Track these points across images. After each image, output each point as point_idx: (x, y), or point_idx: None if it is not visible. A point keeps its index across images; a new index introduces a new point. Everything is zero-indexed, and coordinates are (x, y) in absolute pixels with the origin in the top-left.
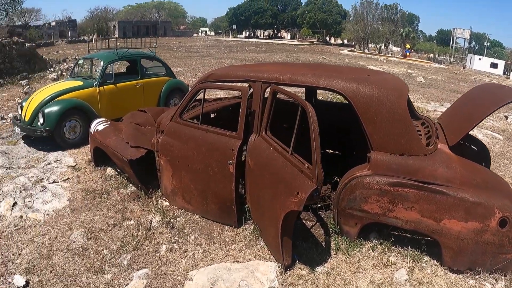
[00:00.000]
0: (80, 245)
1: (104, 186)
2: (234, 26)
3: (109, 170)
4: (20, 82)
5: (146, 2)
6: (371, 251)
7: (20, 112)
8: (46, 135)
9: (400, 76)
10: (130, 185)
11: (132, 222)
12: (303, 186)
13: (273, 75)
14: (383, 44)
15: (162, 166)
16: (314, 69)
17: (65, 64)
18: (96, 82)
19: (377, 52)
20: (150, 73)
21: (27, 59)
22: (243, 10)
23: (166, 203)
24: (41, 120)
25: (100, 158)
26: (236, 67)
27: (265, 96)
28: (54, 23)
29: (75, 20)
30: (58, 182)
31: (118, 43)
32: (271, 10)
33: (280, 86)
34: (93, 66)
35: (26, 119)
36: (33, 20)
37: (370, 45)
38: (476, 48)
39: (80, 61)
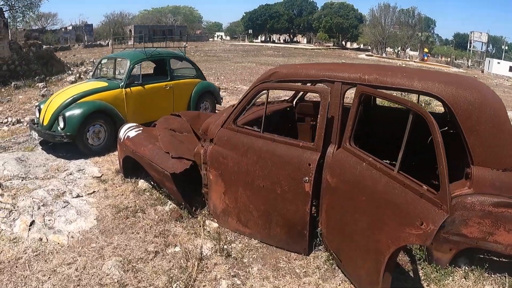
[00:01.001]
0: (116, 280)
1: (137, 202)
2: (250, 31)
3: (142, 183)
4: (37, 84)
5: (162, 7)
6: (463, 279)
7: (37, 115)
8: (67, 141)
9: None
10: (169, 201)
11: (177, 249)
12: (429, 215)
13: (356, 75)
14: (400, 48)
15: (211, 181)
16: (396, 70)
17: (83, 67)
18: (122, 83)
19: (394, 56)
20: (179, 75)
21: (45, 62)
22: (259, 14)
23: (214, 225)
24: (61, 125)
25: (130, 168)
26: (305, 65)
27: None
28: (70, 28)
29: (92, 24)
30: (82, 196)
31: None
32: (287, 15)
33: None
34: (118, 66)
35: (45, 123)
36: (50, 25)
37: (388, 49)
38: (493, 51)
39: (104, 61)
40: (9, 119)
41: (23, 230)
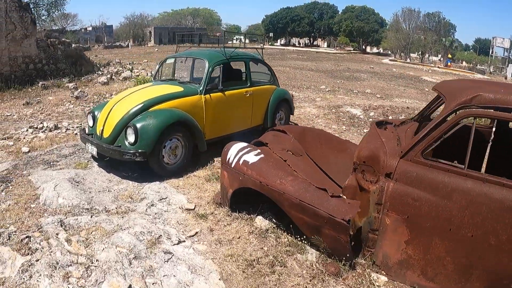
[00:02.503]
0: None
1: (266, 249)
2: (271, 34)
3: (260, 221)
4: (66, 85)
5: (181, 9)
6: None
7: (91, 123)
8: (140, 160)
9: None
10: (308, 247)
11: None
12: None
13: None
14: (422, 53)
15: (387, 226)
16: None
17: (112, 67)
18: (201, 88)
19: (419, 61)
20: (256, 80)
21: (73, 61)
22: (280, 17)
23: (382, 278)
24: (130, 139)
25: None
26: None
27: None
28: (90, 28)
29: (111, 25)
30: (185, 241)
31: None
32: (308, 18)
33: None
34: (180, 68)
35: (105, 135)
36: (70, 25)
37: (412, 55)
38: None
39: (169, 61)
40: (45, 123)
41: None
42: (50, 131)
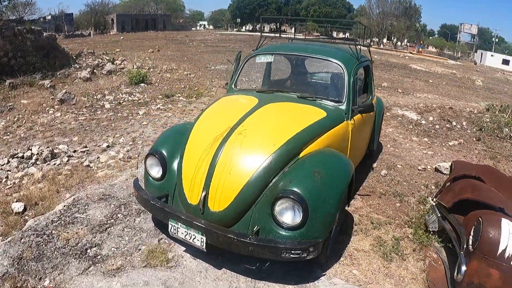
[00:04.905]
0: None
1: None
2: (238, 20)
3: None
4: (41, 82)
5: None
6: None
7: (158, 174)
8: (312, 257)
9: (447, 77)
10: None
11: None
12: None
13: None
14: (395, 39)
15: None
16: None
17: (90, 59)
18: (344, 108)
19: (391, 47)
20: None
21: (45, 53)
22: (247, 3)
23: None
24: (289, 218)
25: None
26: None
27: None
28: (49, 17)
29: (72, 14)
30: None
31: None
32: (276, 3)
33: None
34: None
35: (216, 208)
36: (28, 14)
37: (384, 40)
38: (479, 43)
39: (261, 59)
40: (33, 149)
41: None
42: (45, 162)
